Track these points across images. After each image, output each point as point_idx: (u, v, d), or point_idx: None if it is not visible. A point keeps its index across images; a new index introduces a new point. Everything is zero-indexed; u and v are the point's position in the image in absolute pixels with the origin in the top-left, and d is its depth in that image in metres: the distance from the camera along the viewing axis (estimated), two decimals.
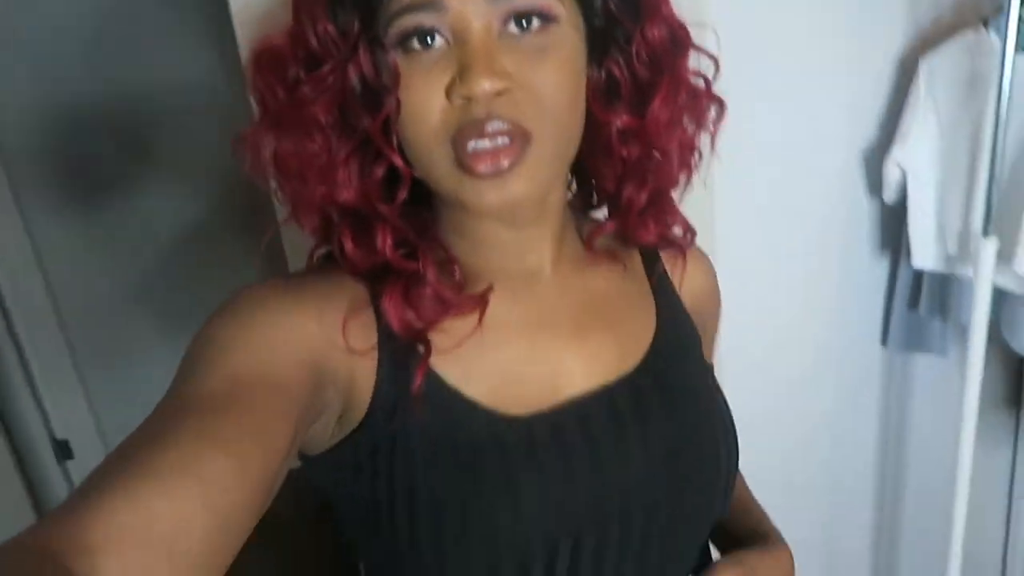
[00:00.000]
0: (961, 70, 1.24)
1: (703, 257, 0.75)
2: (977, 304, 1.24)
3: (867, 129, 1.36)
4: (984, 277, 1.22)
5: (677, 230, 0.68)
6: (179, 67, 1.78)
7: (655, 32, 0.56)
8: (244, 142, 0.56)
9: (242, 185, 0.61)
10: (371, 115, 0.53)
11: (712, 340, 0.79)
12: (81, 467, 2.11)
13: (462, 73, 0.50)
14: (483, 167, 0.51)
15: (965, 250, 1.30)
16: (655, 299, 0.68)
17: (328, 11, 0.52)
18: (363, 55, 0.52)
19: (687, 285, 0.72)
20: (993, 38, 1.19)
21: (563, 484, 0.57)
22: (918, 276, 1.40)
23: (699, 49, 0.61)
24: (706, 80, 0.61)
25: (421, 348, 0.56)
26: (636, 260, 0.70)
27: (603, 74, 0.57)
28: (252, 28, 0.79)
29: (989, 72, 1.18)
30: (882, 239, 1.45)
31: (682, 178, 0.63)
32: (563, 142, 0.56)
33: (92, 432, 2.10)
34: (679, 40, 0.58)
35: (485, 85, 0.50)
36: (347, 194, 0.55)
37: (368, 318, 0.56)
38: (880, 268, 1.48)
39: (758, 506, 0.78)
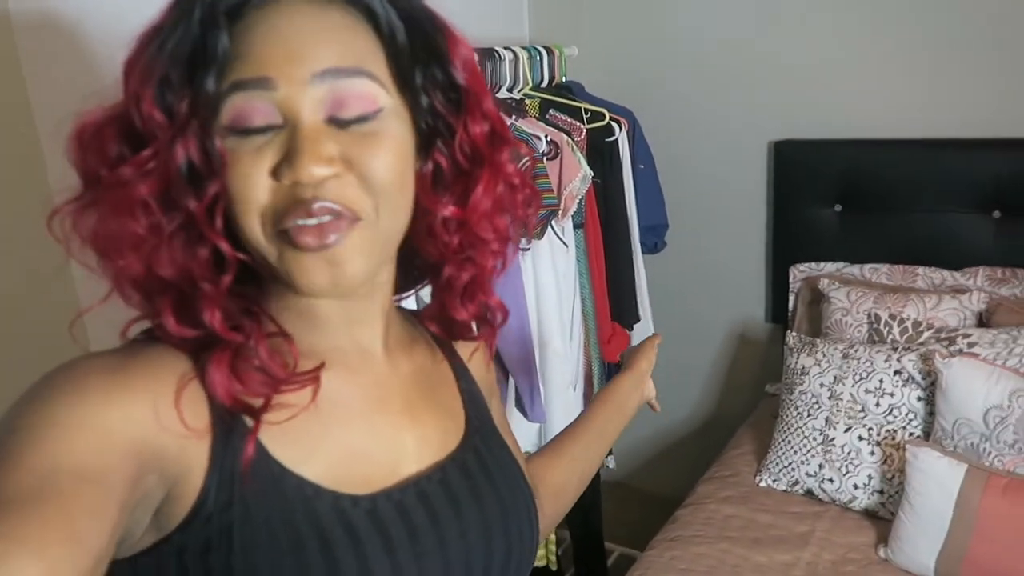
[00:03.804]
0: None
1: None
2: None
3: None
4: None
5: (491, 311, 0.70)
6: None
7: (476, 128, 0.59)
8: (60, 217, 0.52)
9: None
10: (197, 197, 0.51)
11: (501, 399, 0.83)
12: None
13: (290, 158, 0.50)
14: (309, 239, 0.51)
15: None
16: (455, 378, 0.72)
17: (156, 93, 0.50)
18: (191, 137, 0.51)
19: (474, 360, 0.76)
20: None
21: (415, 562, 0.57)
22: None
23: (516, 143, 0.65)
24: (522, 172, 0.65)
25: (250, 421, 0.53)
26: (432, 342, 0.72)
27: (431, 165, 0.59)
28: None
29: None
30: None
31: (497, 263, 0.67)
32: (392, 224, 0.57)
33: None
34: (498, 135, 0.61)
35: (314, 171, 0.50)
36: (170, 272, 0.53)
37: (198, 394, 0.53)
38: None
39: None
